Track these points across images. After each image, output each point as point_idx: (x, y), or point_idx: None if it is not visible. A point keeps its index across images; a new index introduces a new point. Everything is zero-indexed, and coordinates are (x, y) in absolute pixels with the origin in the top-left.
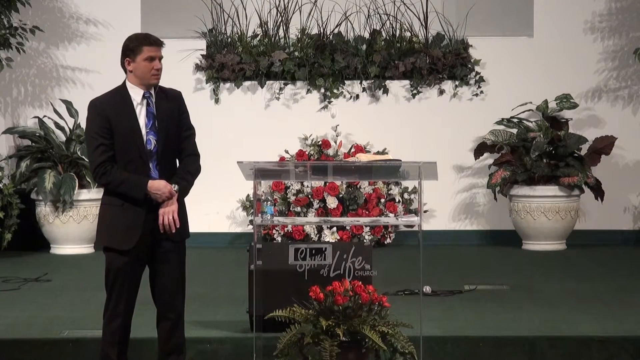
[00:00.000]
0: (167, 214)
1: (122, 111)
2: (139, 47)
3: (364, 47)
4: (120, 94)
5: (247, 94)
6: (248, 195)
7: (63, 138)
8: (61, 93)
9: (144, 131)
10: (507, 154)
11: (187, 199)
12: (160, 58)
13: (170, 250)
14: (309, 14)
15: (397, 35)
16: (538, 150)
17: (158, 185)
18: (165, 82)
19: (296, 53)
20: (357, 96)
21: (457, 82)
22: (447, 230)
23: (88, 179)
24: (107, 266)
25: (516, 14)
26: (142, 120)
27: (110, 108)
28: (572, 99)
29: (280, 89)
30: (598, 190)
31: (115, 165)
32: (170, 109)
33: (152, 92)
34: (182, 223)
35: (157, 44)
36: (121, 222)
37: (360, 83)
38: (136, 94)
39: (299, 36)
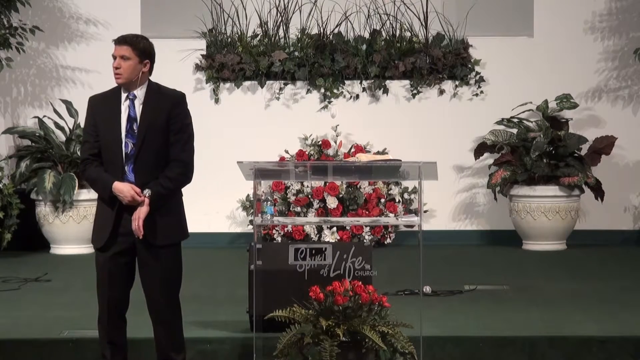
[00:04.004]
0: (134, 219)
1: (107, 111)
2: None
3: (364, 47)
4: (113, 94)
5: (247, 94)
6: (248, 195)
7: (63, 138)
8: (61, 93)
9: (123, 133)
10: (507, 154)
11: (186, 199)
12: (123, 57)
13: (150, 255)
14: (309, 14)
15: (397, 35)
16: (538, 150)
17: (121, 188)
18: (165, 82)
19: (296, 53)
20: (357, 96)
21: (457, 82)
22: (447, 230)
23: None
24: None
25: (516, 14)
26: (123, 122)
27: (99, 107)
28: (572, 99)
29: (280, 89)
30: (598, 190)
31: (97, 162)
32: (157, 113)
33: (138, 93)
34: (167, 227)
35: (117, 42)
36: (98, 220)
37: (360, 83)
38: (124, 95)
39: (299, 36)
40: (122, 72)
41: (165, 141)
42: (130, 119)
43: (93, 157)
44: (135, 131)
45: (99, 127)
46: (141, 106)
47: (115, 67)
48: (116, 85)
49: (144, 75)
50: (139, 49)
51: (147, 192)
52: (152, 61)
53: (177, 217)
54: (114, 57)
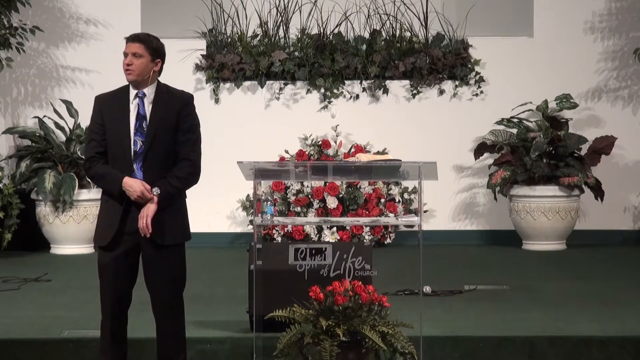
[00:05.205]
0: (142, 218)
1: (116, 109)
2: None
3: (364, 47)
4: (121, 92)
5: (247, 94)
6: (248, 195)
7: (63, 138)
8: (61, 93)
9: (132, 131)
10: (507, 154)
11: (187, 199)
12: (135, 54)
13: (157, 255)
14: (309, 14)
15: (397, 35)
16: (538, 150)
17: (132, 183)
18: (165, 82)
19: (296, 53)
20: (357, 96)
21: (457, 82)
22: (447, 230)
23: (88, 179)
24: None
25: (516, 14)
26: (132, 120)
27: (107, 105)
28: (572, 99)
29: (280, 89)
30: (598, 190)
31: (103, 160)
32: (167, 112)
33: (147, 92)
34: (174, 227)
35: (130, 39)
36: (103, 218)
37: (360, 83)
38: (133, 93)
39: (299, 36)
40: (134, 69)
41: (174, 140)
42: (140, 116)
43: (99, 156)
44: (145, 129)
45: (106, 125)
46: (151, 105)
47: (126, 64)
48: (121, 84)
49: (154, 75)
50: (151, 47)
51: (156, 190)
52: (163, 61)
53: (183, 217)
54: (125, 55)
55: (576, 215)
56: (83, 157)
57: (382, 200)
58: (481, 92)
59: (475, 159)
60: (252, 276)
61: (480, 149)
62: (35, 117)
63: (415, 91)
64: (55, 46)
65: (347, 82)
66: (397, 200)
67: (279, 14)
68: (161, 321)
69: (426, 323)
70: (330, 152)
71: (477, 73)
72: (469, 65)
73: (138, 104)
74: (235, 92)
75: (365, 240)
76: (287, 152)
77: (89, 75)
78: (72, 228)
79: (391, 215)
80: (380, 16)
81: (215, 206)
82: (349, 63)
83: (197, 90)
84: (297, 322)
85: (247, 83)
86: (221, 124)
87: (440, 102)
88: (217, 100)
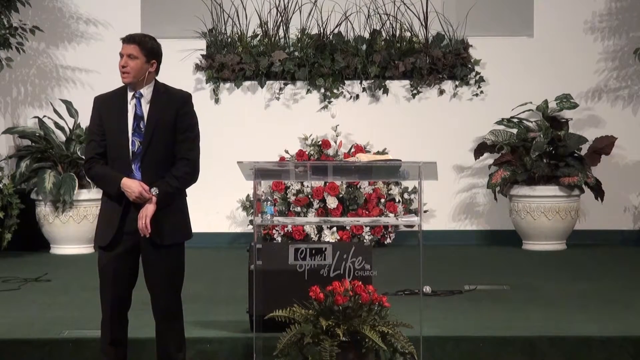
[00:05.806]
0: (141, 218)
1: (114, 110)
2: None
3: (364, 47)
4: (119, 93)
5: (247, 94)
6: (248, 195)
7: (63, 138)
8: (61, 93)
9: (129, 132)
10: (507, 154)
11: (187, 199)
12: (130, 56)
13: (156, 254)
14: (309, 14)
15: (397, 35)
16: (538, 150)
17: (130, 184)
18: (165, 82)
19: (296, 53)
20: (357, 96)
21: (457, 82)
22: (447, 230)
23: (88, 179)
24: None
25: (516, 14)
26: (130, 120)
27: (105, 105)
28: (572, 99)
29: (280, 89)
30: (598, 190)
31: (103, 161)
32: (164, 112)
33: (144, 92)
34: (173, 227)
35: (125, 40)
36: (103, 219)
37: (360, 83)
38: (130, 93)
39: (299, 36)
40: (130, 71)
41: (172, 140)
42: (137, 117)
43: (99, 156)
44: (142, 129)
45: (105, 126)
46: (148, 105)
47: (122, 66)
48: (120, 85)
49: (150, 75)
50: (146, 48)
51: (154, 190)
52: (159, 61)
53: (182, 216)
54: (121, 56)
55: (576, 215)
56: (83, 157)
57: (382, 200)
58: (481, 92)
59: (475, 159)
60: (252, 276)
61: (480, 149)
62: (35, 117)
63: (415, 91)
64: (55, 46)
65: (347, 82)
66: (397, 200)
67: (279, 14)
68: (160, 320)
69: (426, 323)
70: (330, 152)
71: (477, 73)
72: (469, 65)
73: (135, 105)
74: (235, 92)
75: (365, 240)
76: (287, 152)
77: (89, 75)
78: (72, 228)
79: (391, 215)
80: (380, 16)
81: (215, 206)
82: (349, 63)
83: (197, 90)
84: (297, 322)
85: (247, 83)
86: (221, 124)
87: (440, 102)
88: (217, 100)
